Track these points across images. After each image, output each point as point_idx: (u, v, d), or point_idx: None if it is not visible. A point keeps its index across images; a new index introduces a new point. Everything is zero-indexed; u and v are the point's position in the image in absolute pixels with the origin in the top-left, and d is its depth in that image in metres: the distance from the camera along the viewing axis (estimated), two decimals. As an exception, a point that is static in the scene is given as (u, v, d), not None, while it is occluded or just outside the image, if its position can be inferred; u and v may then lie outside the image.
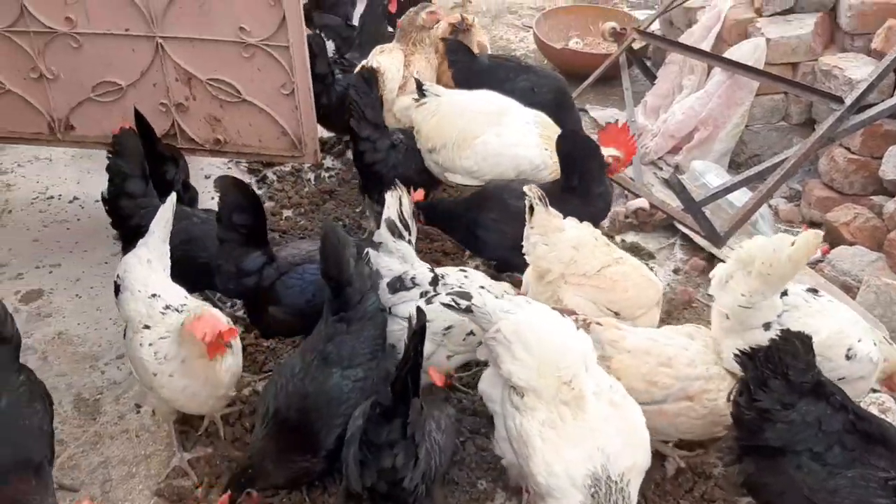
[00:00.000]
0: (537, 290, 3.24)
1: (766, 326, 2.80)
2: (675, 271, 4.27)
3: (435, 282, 3.10)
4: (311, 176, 5.09)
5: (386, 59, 4.78)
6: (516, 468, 2.71)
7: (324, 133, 5.09)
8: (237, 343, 3.05)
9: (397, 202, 3.11)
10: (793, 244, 2.67)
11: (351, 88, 4.59)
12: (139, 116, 4.03)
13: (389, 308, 3.09)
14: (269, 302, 3.30)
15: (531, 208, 3.12)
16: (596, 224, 3.47)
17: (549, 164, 3.88)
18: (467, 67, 4.67)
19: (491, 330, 2.64)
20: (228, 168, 5.11)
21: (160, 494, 3.03)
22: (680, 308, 3.94)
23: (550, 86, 4.61)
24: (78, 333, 3.82)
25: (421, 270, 3.13)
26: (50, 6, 4.18)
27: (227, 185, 3.31)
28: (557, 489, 2.45)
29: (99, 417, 3.37)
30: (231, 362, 2.96)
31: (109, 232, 4.45)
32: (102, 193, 3.75)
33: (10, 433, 2.59)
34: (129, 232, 3.63)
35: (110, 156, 3.71)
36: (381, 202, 3.23)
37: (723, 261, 4.10)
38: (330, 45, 5.30)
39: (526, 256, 3.21)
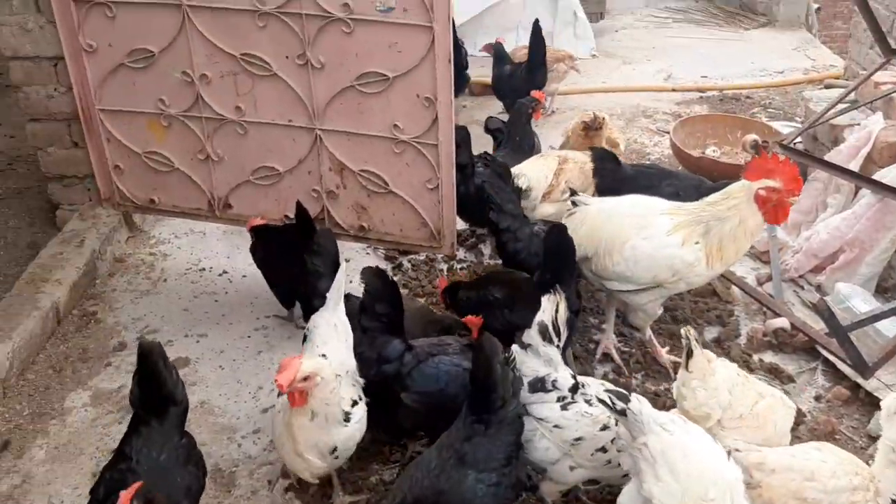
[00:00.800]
0: None
1: None
2: (817, 398, 4.08)
3: (575, 389, 3.10)
4: (444, 266, 5.23)
5: (531, 166, 4.92)
6: None
7: (459, 224, 5.23)
8: (357, 412, 3.17)
9: (553, 307, 3.14)
10: None
11: (485, 183, 4.75)
12: (301, 209, 4.30)
13: (525, 406, 3.09)
14: (403, 388, 3.40)
15: (689, 352, 3.05)
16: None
17: (701, 259, 3.80)
18: (612, 176, 4.74)
19: (638, 440, 2.60)
20: (367, 253, 5.31)
21: (286, 574, 3.10)
22: (822, 439, 3.75)
23: (695, 189, 4.62)
24: (219, 404, 4.00)
25: (563, 375, 3.13)
26: (223, 96, 4.57)
27: (372, 277, 3.47)
28: None
29: (233, 490, 3.49)
30: (311, 423, 3.04)
31: (254, 307, 4.73)
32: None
33: (162, 486, 2.73)
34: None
35: (307, 255, 4.00)
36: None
37: (871, 393, 3.97)
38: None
39: (681, 403, 3.14)
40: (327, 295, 3.41)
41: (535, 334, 3.08)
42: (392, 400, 3.40)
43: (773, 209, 3.73)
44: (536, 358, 3.11)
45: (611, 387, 2.92)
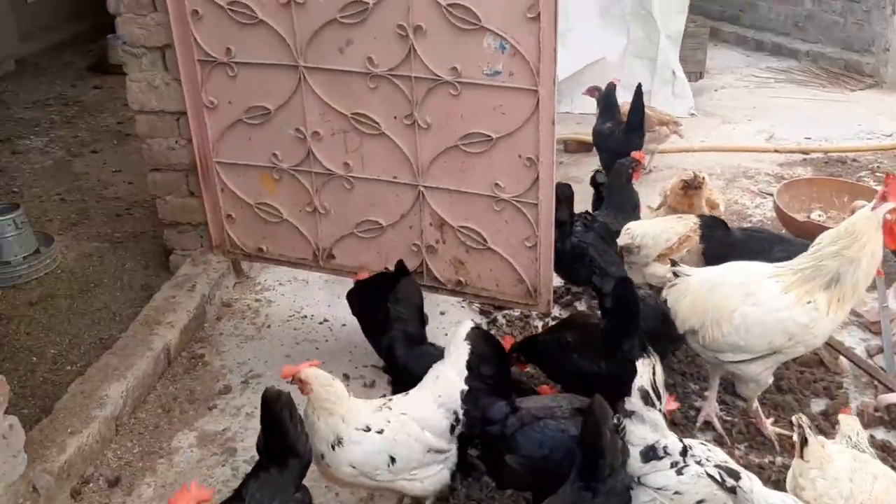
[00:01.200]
0: None
1: None
2: (932, 478, 3.87)
3: (685, 452, 3.04)
4: (539, 323, 5.23)
5: (651, 224, 4.97)
6: None
7: (556, 281, 5.25)
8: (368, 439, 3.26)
9: (650, 370, 3.13)
10: None
11: (589, 246, 4.75)
12: (401, 264, 4.43)
13: (639, 477, 3.05)
14: (507, 450, 3.37)
15: (804, 440, 2.93)
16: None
17: (816, 318, 3.66)
18: (721, 241, 4.70)
19: None
20: (462, 307, 5.37)
21: None
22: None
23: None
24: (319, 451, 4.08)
25: (672, 440, 3.08)
26: (333, 152, 4.77)
27: (478, 339, 3.54)
28: None
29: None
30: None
31: (352, 355, 4.84)
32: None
33: None
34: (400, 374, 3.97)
35: (391, 303, 4.07)
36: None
37: None
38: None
39: (799, 494, 2.97)
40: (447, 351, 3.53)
41: (637, 400, 3.05)
42: (497, 460, 3.41)
43: (892, 229, 3.62)
44: (642, 424, 3.07)
45: (722, 461, 2.86)
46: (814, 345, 3.88)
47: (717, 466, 2.63)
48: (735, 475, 2.56)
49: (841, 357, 4.70)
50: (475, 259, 4.78)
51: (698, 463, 2.99)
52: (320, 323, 5.23)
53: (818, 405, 4.37)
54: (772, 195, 6.52)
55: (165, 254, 5.70)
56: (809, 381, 4.51)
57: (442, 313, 5.27)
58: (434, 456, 3.32)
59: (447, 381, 3.35)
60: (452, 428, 3.32)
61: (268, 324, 5.23)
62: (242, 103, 4.82)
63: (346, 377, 4.60)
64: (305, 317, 5.32)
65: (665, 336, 4.11)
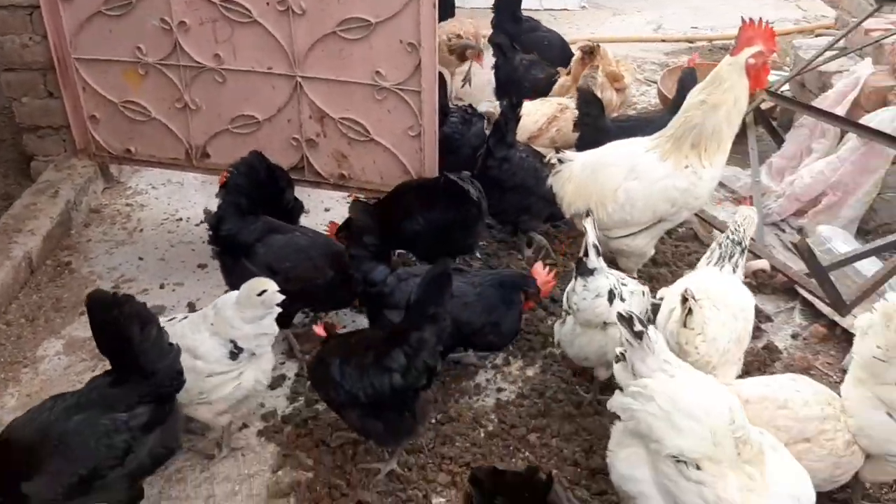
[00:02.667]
0: None
1: None
2: (794, 336, 4.10)
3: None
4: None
5: (530, 107, 5.03)
6: None
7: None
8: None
9: (593, 225, 3.36)
10: None
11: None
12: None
13: (605, 322, 3.32)
14: (387, 306, 3.64)
15: (689, 311, 2.99)
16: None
17: (695, 181, 3.74)
18: (594, 125, 4.77)
19: (637, 384, 2.58)
20: (347, 202, 5.26)
21: (261, 514, 3.11)
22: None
23: None
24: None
25: (613, 277, 3.40)
26: (201, 43, 4.50)
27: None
28: None
29: (208, 433, 3.48)
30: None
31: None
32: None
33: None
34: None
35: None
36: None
37: (847, 330, 3.97)
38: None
39: (683, 360, 3.06)
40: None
41: (594, 255, 3.31)
42: (379, 316, 3.70)
43: (758, 73, 3.69)
44: (602, 276, 3.34)
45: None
46: (696, 207, 3.97)
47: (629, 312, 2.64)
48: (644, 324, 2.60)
49: (714, 230, 4.85)
50: (358, 151, 4.66)
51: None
52: (196, 225, 5.03)
53: (692, 277, 4.51)
54: (656, 82, 6.57)
55: (26, 161, 5.33)
56: (683, 254, 4.66)
57: (327, 210, 5.17)
58: (221, 378, 3.17)
59: (224, 315, 3.16)
60: (233, 354, 3.15)
61: (140, 228, 5.01)
62: (99, -8, 4.45)
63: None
64: (181, 219, 5.12)
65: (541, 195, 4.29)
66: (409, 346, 3.02)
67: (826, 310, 4.12)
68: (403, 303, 3.29)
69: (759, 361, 3.87)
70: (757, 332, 4.06)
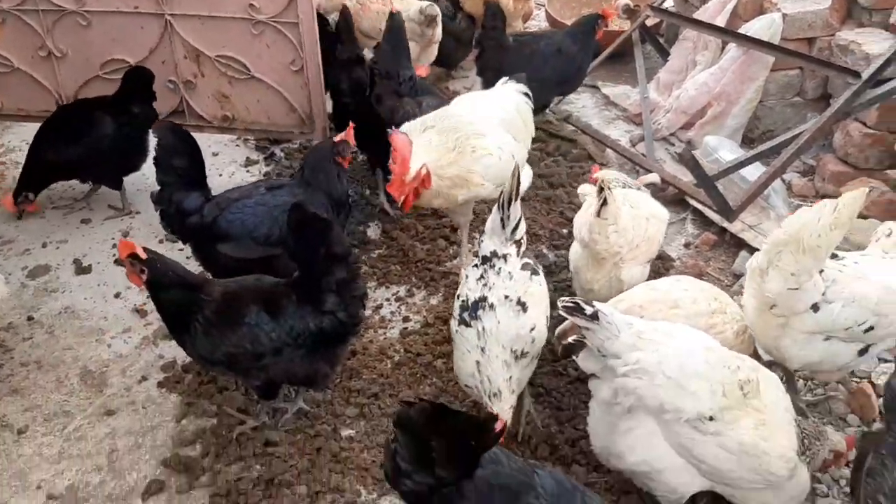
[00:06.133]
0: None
1: (815, 308, 2.75)
2: (686, 245, 4.23)
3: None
4: (321, 154, 5.06)
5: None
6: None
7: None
8: None
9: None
10: (836, 208, 2.60)
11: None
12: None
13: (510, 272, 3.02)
14: (214, 239, 3.35)
15: (605, 201, 3.09)
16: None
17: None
18: (497, 43, 4.90)
19: (627, 363, 2.46)
20: (237, 145, 5.10)
21: (166, 464, 3.02)
22: (690, 282, 3.89)
23: (571, 38, 5.11)
24: (85, 308, 3.83)
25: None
26: (60, -16, 4.20)
27: (164, 130, 3.43)
28: (787, 468, 2.48)
29: (105, 390, 3.37)
30: None
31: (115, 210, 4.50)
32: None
33: None
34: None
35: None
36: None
37: (735, 235, 4.12)
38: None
39: (593, 248, 3.26)
40: None
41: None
42: (209, 254, 3.43)
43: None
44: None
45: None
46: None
47: (571, 300, 2.49)
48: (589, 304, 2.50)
49: (607, 149, 4.92)
50: (240, 90, 4.48)
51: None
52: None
53: (587, 195, 4.58)
54: (544, 5, 6.56)
55: None
56: (578, 174, 4.71)
57: (215, 154, 4.99)
58: None
59: None
60: None
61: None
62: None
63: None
64: (59, 175, 4.83)
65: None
66: (334, 289, 2.89)
67: (715, 217, 4.24)
68: (237, 232, 3.18)
69: (652, 271, 3.96)
70: (651, 243, 4.19)
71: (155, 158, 3.44)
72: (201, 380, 3.38)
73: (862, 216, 4.08)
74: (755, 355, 2.95)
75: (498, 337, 2.78)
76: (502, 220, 2.96)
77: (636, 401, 2.47)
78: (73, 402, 3.31)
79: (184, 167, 3.42)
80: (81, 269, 4.07)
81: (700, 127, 4.99)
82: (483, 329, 2.80)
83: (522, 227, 3.05)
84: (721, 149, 4.62)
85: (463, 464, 2.07)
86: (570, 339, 2.64)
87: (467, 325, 2.84)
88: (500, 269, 2.93)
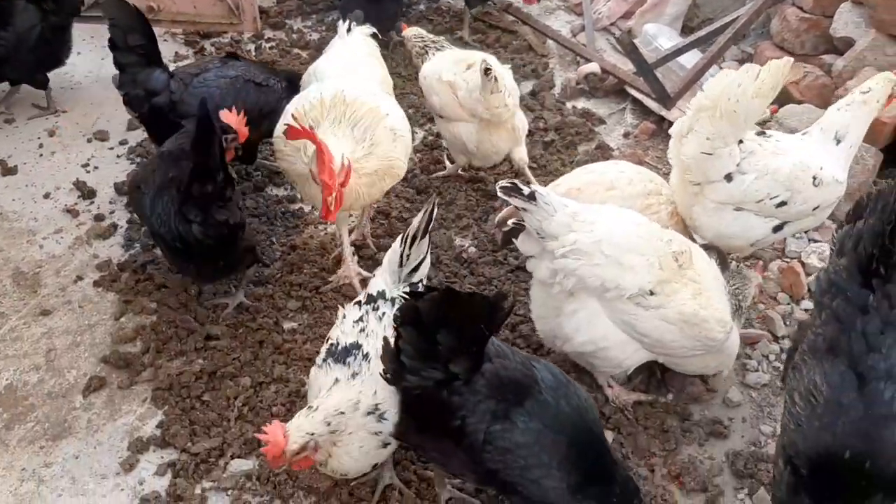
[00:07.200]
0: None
1: (728, 178, 2.81)
2: (626, 135, 4.25)
3: None
4: (252, 47, 4.88)
5: None
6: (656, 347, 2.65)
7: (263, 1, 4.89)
8: None
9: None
10: (758, 76, 2.62)
11: None
12: None
13: None
14: (181, 116, 3.30)
15: (487, 70, 3.29)
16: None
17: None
18: None
19: (564, 244, 2.47)
20: (164, 40, 4.86)
21: (106, 361, 3.01)
22: (629, 170, 3.93)
23: None
24: (13, 209, 3.71)
25: None
26: None
27: (113, 8, 3.33)
28: (724, 332, 2.59)
29: (40, 290, 3.31)
30: None
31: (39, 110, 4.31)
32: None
33: None
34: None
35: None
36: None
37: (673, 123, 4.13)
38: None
39: (493, 112, 3.46)
40: None
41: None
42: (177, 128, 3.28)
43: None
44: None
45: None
46: None
47: (511, 182, 2.51)
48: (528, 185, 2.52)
49: (548, 40, 4.85)
50: (164, -21, 4.28)
51: None
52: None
53: (527, 87, 4.53)
54: None
55: None
56: (519, 66, 4.64)
57: (142, 48, 4.76)
58: None
59: None
60: None
61: None
62: None
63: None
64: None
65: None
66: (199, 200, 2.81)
67: (654, 106, 4.25)
68: (199, 107, 3.00)
69: (592, 161, 3.98)
70: (590, 133, 4.19)
71: (110, 41, 3.35)
72: (138, 278, 3.34)
73: (797, 101, 4.16)
74: (689, 237, 3.02)
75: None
76: (402, 256, 2.51)
77: (577, 282, 2.51)
78: (7, 304, 3.24)
79: (142, 45, 3.34)
80: (7, 170, 3.91)
81: (640, 15, 4.94)
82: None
83: (424, 269, 2.57)
84: (660, 37, 4.59)
85: (474, 354, 2.07)
86: (509, 223, 2.65)
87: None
88: (383, 314, 2.45)
